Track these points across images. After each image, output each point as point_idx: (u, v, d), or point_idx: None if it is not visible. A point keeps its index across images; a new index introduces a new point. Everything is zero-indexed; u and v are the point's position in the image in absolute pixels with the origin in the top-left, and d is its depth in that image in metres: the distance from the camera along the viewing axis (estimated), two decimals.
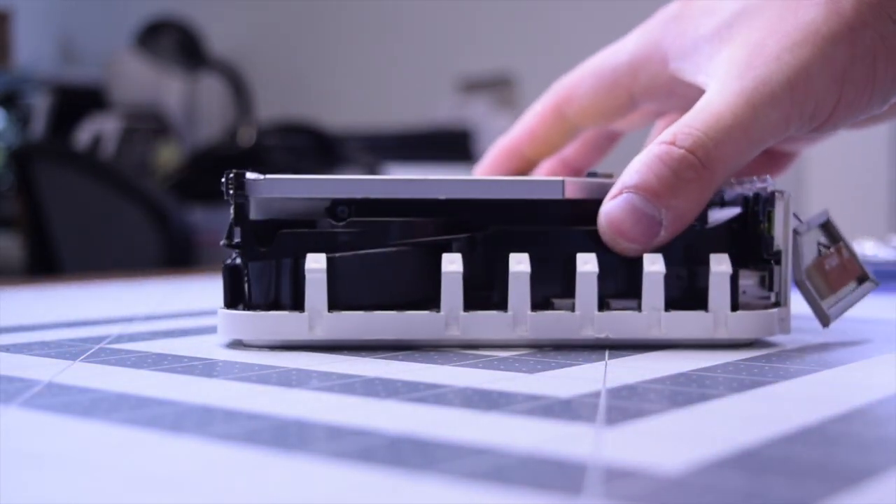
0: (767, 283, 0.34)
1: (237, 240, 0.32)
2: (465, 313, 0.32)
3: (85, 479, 0.17)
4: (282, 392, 0.25)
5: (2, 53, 2.84)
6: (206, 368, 0.28)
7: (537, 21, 2.21)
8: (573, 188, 0.33)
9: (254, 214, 0.33)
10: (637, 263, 0.32)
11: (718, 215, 0.34)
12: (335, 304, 0.32)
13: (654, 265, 0.32)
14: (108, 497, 0.16)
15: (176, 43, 2.26)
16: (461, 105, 2.16)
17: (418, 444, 0.20)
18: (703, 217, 0.34)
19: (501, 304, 0.32)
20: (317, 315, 0.31)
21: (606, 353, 0.31)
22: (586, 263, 0.32)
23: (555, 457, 0.19)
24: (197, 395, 0.24)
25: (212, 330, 0.34)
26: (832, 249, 0.34)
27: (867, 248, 0.52)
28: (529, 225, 0.33)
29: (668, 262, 0.32)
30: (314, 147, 1.70)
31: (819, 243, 0.34)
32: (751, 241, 0.34)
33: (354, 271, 0.32)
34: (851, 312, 0.35)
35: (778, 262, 0.33)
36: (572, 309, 0.32)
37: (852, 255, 0.35)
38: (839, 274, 0.34)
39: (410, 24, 2.47)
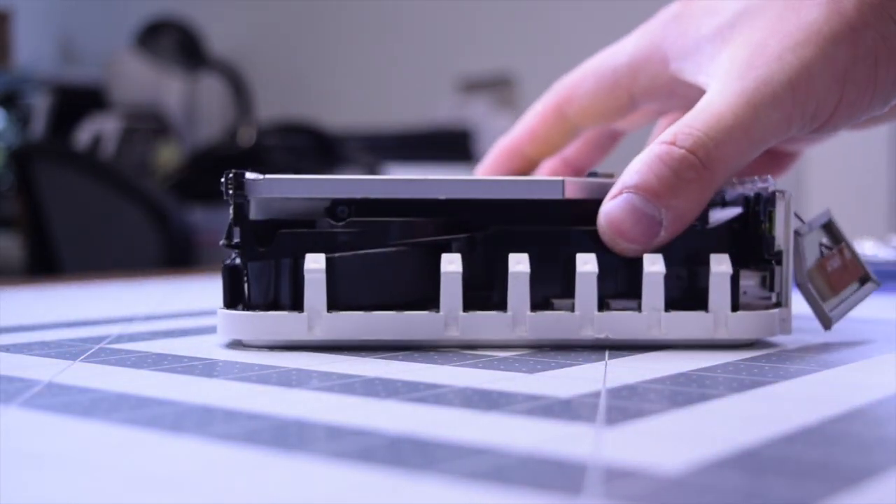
0: (768, 283, 0.34)
1: (236, 240, 0.32)
2: (465, 313, 0.32)
3: (85, 479, 0.17)
4: (282, 392, 0.25)
5: (2, 53, 2.84)
6: (206, 368, 0.28)
7: (537, 21, 2.21)
8: (573, 188, 0.33)
9: (253, 214, 0.33)
10: (637, 264, 0.32)
11: (719, 215, 0.34)
12: (334, 304, 0.32)
13: (654, 265, 0.32)
14: (108, 497, 0.16)
15: (176, 43, 2.26)
16: (461, 105, 2.16)
17: (418, 444, 0.20)
18: (703, 217, 0.34)
19: (501, 305, 0.32)
20: (316, 315, 0.31)
21: (606, 353, 0.31)
22: (586, 263, 0.32)
23: (555, 457, 0.19)
24: (197, 395, 0.24)
25: (212, 330, 0.34)
26: (834, 250, 0.34)
27: (867, 248, 0.52)
28: (529, 225, 0.33)
29: (669, 263, 0.32)
30: (314, 147, 1.70)
31: (821, 244, 0.34)
32: (752, 241, 0.33)
33: (354, 271, 0.32)
34: (852, 312, 0.34)
35: (779, 262, 0.33)
36: (572, 309, 0.32)
37: (854, 255, 0.35)
38: (841, 275, 0.34)
39: (410, 24, 2.47)
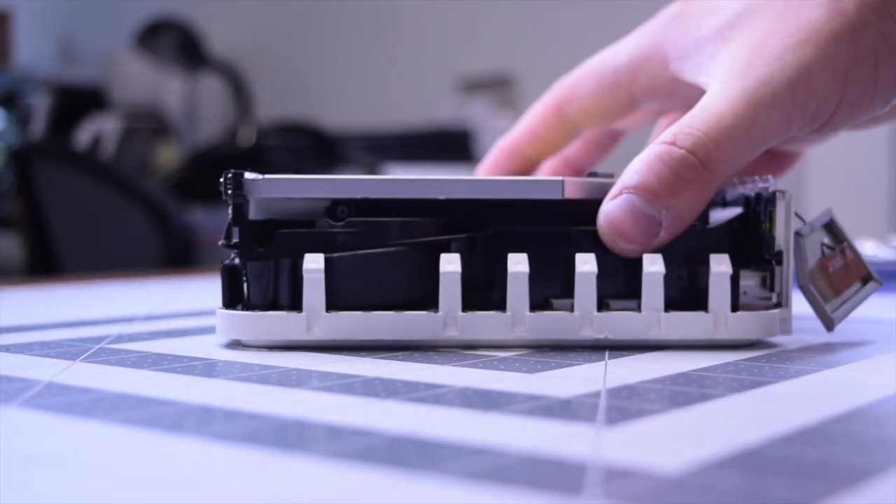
0: (769, 283, 0.34)
1: (235, 240, 0.32)
2: (464, 314, 0.32)
3: (85, 479, 0.17)
4: (282, 392, 0.25)
5: (2, 53, 2.84)
6: (206, 368, 0.28)
7: (537, 21, 2.21)
8: (573, 188, 0.33)
9: (253, 214, 0.33)
10: (637, 264, 0.32)
11: (720, 215, 0.34)
12: (334, 304, 0.32)
13: (653, 265, 0.32)
14: (108, 497, 0.16)
15: (176, 43, 2.27)
16: (461, 105, 2.16)
17: (418, 444, 0.20)
18: (704, 217, 0.34)
19: (501, 305, 0.32)
20: (315, 315, 0.31)
21: (606, 353, 0.31)
22: (585, 264, 0.32)
23: (555, 457, 0.19)
24: (197, 395, 0.24)
25: (212, 330, 0.34)
26: (836, 250, 0.34)
27: (867, 249, 0.52)
28: (529, 225, 0.33)
29: (669, 263, 0.32)
30: (314, 147, 1.70)
31: (823, 244, 0.34)
32: (752, 241, 0.33)
33: (353, 271, 0.32)
34: (853, 313, 0.34)
35: (779, 262, 0.33)
36: (571, 309, 0.32)
37: (856, 255, 0.35)
38: (843, 275, 0.34)
39: (410, 24, 2.47)
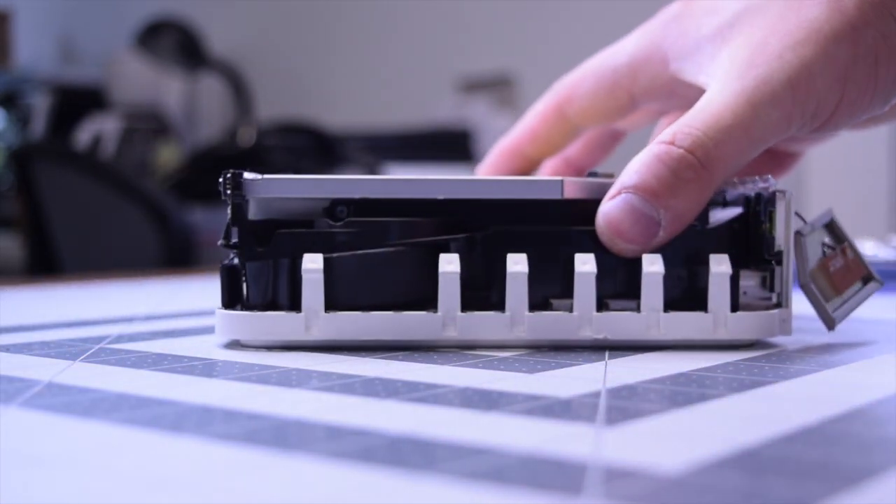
0: (769, 283, 0.34)
1: (234, 240, 0.32)
2: (463, 314, 0.32)
3: (85, 479, 0.17)
4: (282, 392, 0.25)
5: (2, 53, 2.84)
6: (206, 368, 0.28)
7: (537, 21, 2.21)
8: (572, 188, 0.33)
9: (252, 214, 0.33)
10: (637, 264, 0.32)
11: (720, 215, 0.34)
12: (333, 304, 0.32)
13: (652, 265, 0.32)
14: (108, 497, 0.16)
15: (176, 43, 2.26)
16: (461, 105, 2.16)
17: (418, 444, 0.20)
18: (703, 217, 0.33)
19: (500, 305, 0.32)
20: (313, 315, 0.31)
21: (606, 353, 0.31)
22: (584, 264, 0.32)
23: (555, 457, 0.19)
24: (197, 395, 0.24)
25: (212, 330, 0.34)
26: (836, 250, 0.34)
27: (868, 249, 0.52)
28: (528, 225, 0.33)
29: (669, 263, 0.32)
30: (314, 147, 1.70)
31: (823, 244, 0.34)
32: (752, 241, 0.33)
33: (352, 271, 0.32)
34: (853, 313, 0.34)
35: (779, 262, 0.33)
36: (571, 309, 0.32)
37: (857, 254, 0.35)
38: (844, 275, 0.34)
39: (410, 24, 2.47)
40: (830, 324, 0.33)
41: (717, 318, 0.32)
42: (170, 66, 2.27)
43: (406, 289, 0.32)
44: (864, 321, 0.38)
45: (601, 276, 0.32)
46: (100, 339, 0.34)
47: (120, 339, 0.34)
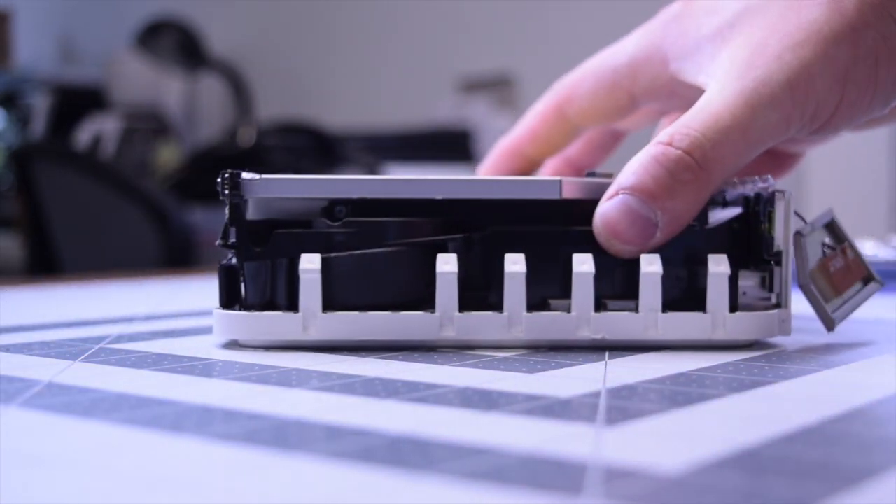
0: (768, 283, 0.34)
1: (232, 240, 0.32)
2: (460, 314, 0.31)
3: (85, 479, 0.17)
4: (282, 392, 0.25)
5: (2, 53, 2.84)
6: (206, 368, 0.28)
7: (537, 21, 2.21)
8: (570, 188, 0.33)
9: (252, 214, 0.33)
10: (635, 264, 0.32)
11: (719, 215, 0.34)
12: (331, 304, 0.31)
13: (651, 266, 0.32)
14: (108, 497, 0.16)
15: (176, 43, 2.26)
16: (461, 105, 2.16)
17: (418, 444, 0.20)
18: (703, 217, 0.33)
19: (498, 305, 0.32)
20: (311, 316, 0.31)
21: (606, 353, 0.31)
22: (583, 264, 0.32)
23: (555, 457, 0.19)
24: (197, 395, 0.24)
25: (212, 330, 0.34)
26: (837, 250, 0.34)
27: (868, 248, 0.52)
28: (527, 225, 0.33)
29: (668, 263, 0.32)
30: (314, 147, 1.70)
31: (823, 244, 0.34)
32: (751, 241, 0.33)
33: (350, 272, 0.32)
34: (853, 313, 0.34)
35: (778, 262, 0.33)
36: (569, 310, 0.32)
37: (857, 255, 0.35)
38: (844, 275, 0.34)
39: (410, 24, 2.47)
40: (830, 325, 0.33)
41: (716, 319, 0.32)
42: (170, 66, 2.27)
43: (404, 289, 0.32)
44: (864, 321, 0.38)
45: (599, 277, 0.32)
46: (100, 339, 0.34)
47: (120, 339, 0.34)
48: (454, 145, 1.94)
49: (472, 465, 0.18)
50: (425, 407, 0.23)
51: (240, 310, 0.32)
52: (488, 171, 0.45)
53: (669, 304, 0.32)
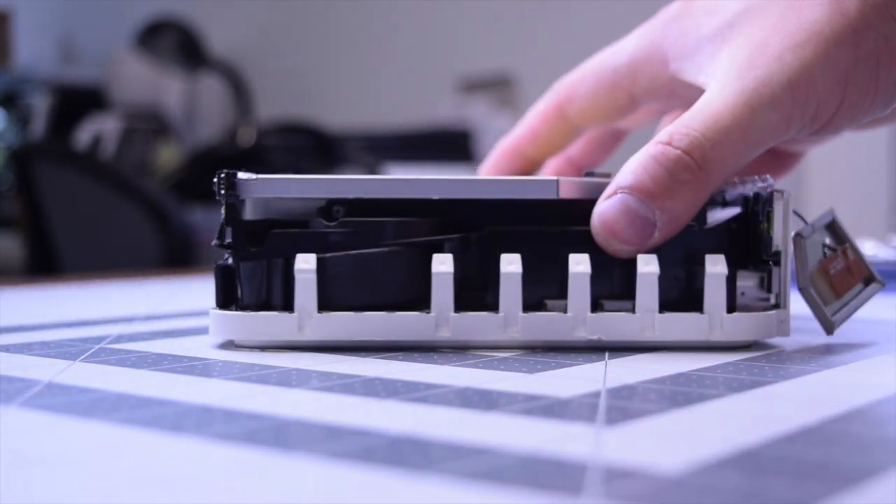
0: (766, 284, 0.33)
1: (228, 240, 0.32)
2: (456, 314, 0.31)
3: (85, 479, 0.17)
4: (282, 392, 0.25)
5: (2, 53, 2.84)
6: (206, 368, 0.28)
7: (537, 21, 2.21)
8: (568, 188, 0.33)
9: (249, 214, 0.33)
10: (632, 264, 0.32)
11: (718, 215, 0.34)
12: (327, 304, 0.31)
13: (647, 266, 0.31)
14: (108, 497, 0.16)
15: (176, 43, 2.26)
16: (461, 105, 2.16)
17: (418, 444, 0.20)
18: (701, 217, 0.33)
19: (495, 306, 0.32)
20: (306, 316, 0.31)
21: (606, 353, 0.31)
22: (578, 264, 0.31)
23: (555, 457, 0.19)
24: (197, 395, 0.24)
25: None
26: (838, 251, 0.34)
27: (868, 249, 0.52)
28: (524, 225, 0.33)
29: (666, 263, 0.32)
30: (314, 147, 1.70)
31: (824, 245, 0.34)
32: (750, 241, 0.33)
33: (346, 271, 0.32)
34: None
35: (777, 263, 0.33)
36: (565, 310, 0.32)
37: (858, 255, 0.34)
38: (844, 277, 0.34)
39: (410, 24, 2.47)
40: (829, 328, 0.33)
41: (713, 320, 0.32)
42: (170, 66, 2.27)
43: (400, 289, 0.32)
44: (864, 321, 0.38)
45: (596, 277, 0.31)
46: (100, 339, 0.34)
47: (120, 339, 0.34)
48: (454, 145, 1.94)
49: (471, 465, 0.18)
50: (425, 407, 0.23)
51: (236, 310, 0.32)
52: (489, 171, 0.45)
53: (667, 305, 0.32)
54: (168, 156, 2.23)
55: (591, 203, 0.33)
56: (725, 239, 0.33)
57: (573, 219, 0.33)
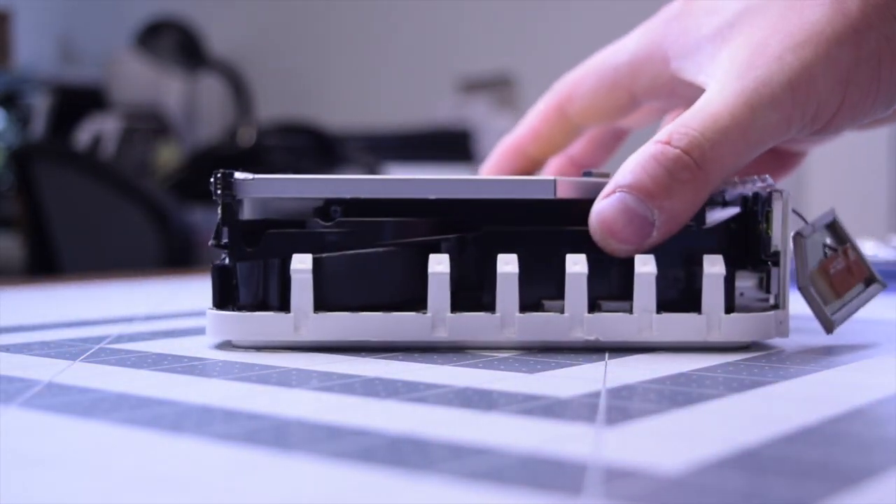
0: (765, 284, 0.33)
1: (225, 240, 0.32)
2: (452, 315, 0.31)
3: (85, 479, 0.17)
4: (282, 392, 0.25)
5: (2, 53, 2.84)
6: (206, 368, 0.28)
7: (537, 21, 2.21)
8: (565, 188, 0.33)
9: (246, 214, 0.33)
10: (630, 264, 0.31)
11: (717, 215, 0.34)
12: (323, 304, 0.31)
13: (645, 266, 0.31)
14: (108, 497, 0.16)
15: (176, 43, 2.27)
16: (461, 105, 2.16)
17: (418, 444, 0.20)
18: (700, 217, 0.33)
19: (492, 306, 0.32)
20: (302, 316, 0.31)
21: (606, 353, 0.31)
22: (575, 264, 0.31)
23: (555, 457, 0.19)
24: (197, 395, 0.24)
25: None
26: (838, 251, 0.34)
27: (867, 248, 0.52)
28: (521, 225, 0.33)
29: (665, 264, 0.32)
30: (314, 147, 1.70)
31: (825, 245, 0.34)
32: (749, 241, 0.33)
33: (342, 272, 0.32)
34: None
35: (776, 263, 0.33)
36: (562, 311, 0.32)
37: (859, 255, 0.34)
38: (845, 277, 0.34)
39: (410, 24, 2.47)
40: (829, 327, 0.33)
41: (711, 320, 0.31)
42: (170, 66, 2.27)
43: (397, 289, 0.32)
44: (864, 322, 0.38)
45: (594, 277, 0.31)
46: (100, 339, 0.34)
47: (120, 339, 0.34)
48: (454, 145, 1.94)
49: (471, 465, 0.18)
50: (425, 407, 0.23)
51: (233, 310, 0.32)
52: (491, 171, 0.45)
53: (666, 305, 0.32)
54: (168, 156, 2.23)
55: (588, 203, 0.32)
56: (724, 239, 0.33)
57: (571, 219, 0.33)
